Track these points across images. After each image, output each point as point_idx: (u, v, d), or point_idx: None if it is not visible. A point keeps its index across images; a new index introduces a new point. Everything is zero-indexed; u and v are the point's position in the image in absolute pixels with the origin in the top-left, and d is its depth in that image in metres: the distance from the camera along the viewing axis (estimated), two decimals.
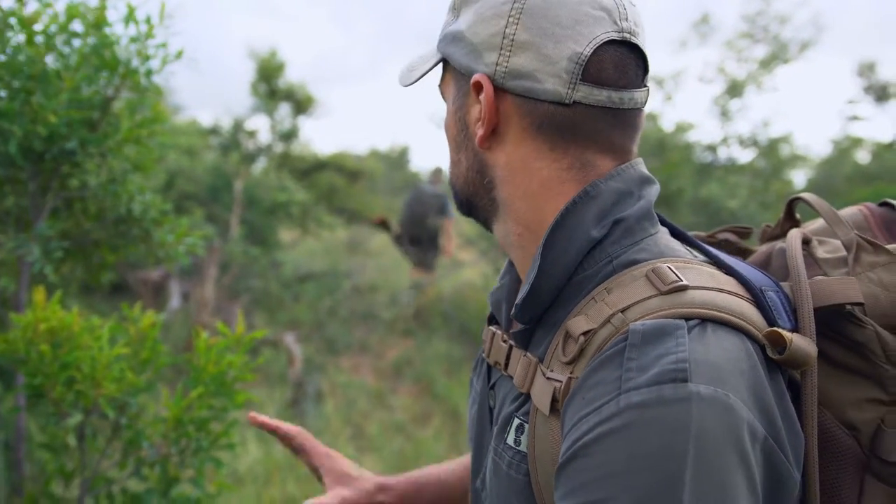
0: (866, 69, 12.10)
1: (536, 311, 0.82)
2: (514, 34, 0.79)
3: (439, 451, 4.44)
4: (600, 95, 0.78)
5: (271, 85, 11.18)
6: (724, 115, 6.69)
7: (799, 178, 10.71)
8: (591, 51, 0.77)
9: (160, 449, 1.88)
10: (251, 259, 7.44)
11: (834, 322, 0.78)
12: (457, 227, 9.21)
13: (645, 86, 0.83)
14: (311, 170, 12.03)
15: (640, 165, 0.85)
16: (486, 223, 0.93)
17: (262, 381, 5.48)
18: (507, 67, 0.79)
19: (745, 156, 6.92)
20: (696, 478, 0.60)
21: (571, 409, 0.70)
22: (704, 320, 0.69)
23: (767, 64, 6.68)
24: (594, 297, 0.77)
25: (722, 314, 0.70)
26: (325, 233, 10.64)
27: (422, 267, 8.68)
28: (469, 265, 8.86)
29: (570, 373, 0.74)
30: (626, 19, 0.79)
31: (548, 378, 0.76)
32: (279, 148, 11.45)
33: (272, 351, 5.91)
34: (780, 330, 0.70)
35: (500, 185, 0.86)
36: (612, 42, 0.78)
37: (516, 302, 0.82)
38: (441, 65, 0.92)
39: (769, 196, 6.24)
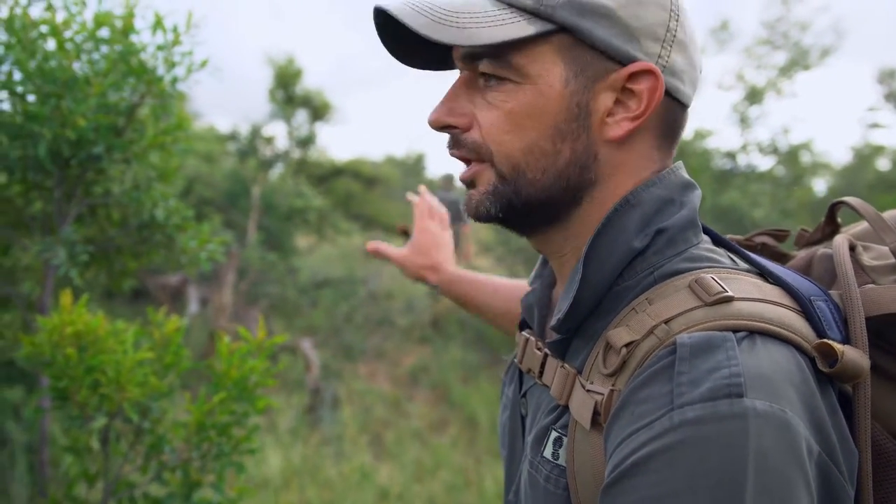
0: (887, 76, 11.99)
1: (576, 321, 0.79)
2: (676, 31, 0.77)
3: (457, 460, 4.43)
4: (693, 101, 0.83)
5: (289, 91, 11.25)
6: (744, 121, 6.65)
7: (820, 185, 10.64)
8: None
9: (182, 453, 1.89)
10: (268, 265, 7.47)
11: (884, 332, 0.76)
12: (475, 236, 9.24)
13: None
14: (328, 176, 12.07)
15: (682, 170, 0.83)
16: (532, 228, 0.85)
17: (280, 387, 5.49)
18: (667, 62, 0.77)
19: (764, 163, 6.88)
20: (758, 494, 0.58)
21: (618, 425, 0.67)
22: (752, 332, 0.67)
23: (787, 70, 6.64)
24: (635, 308, 0.75)
25: (770, 326, 0.68)
26: (342, 239, 10.68)
27: None
28: (485, 272, 8.85)
29: (613, 385, 0.72)
30: None
31: (588, 391, 0.74)
32: (296, 154, 11.52)
33: (290, 357, 5.92)
34: (830, 342, 0.68)
35: (600, 184, 0.80)
36: None
37: (557, 316, 0.79)
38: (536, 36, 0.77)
39: (790, 204, 6.19)
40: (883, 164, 11.75)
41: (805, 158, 7.16)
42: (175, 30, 1.96)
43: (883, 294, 0.76)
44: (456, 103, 0.79)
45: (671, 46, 0.77)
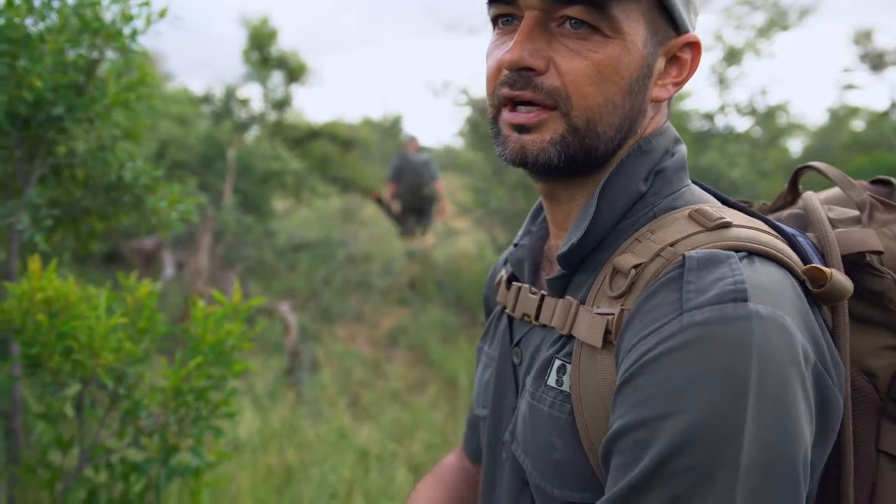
0: (863, 37, 12.03)
1: (580, 256, 0.84)
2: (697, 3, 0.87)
3: (436, 419, 4.45)
4: None
5: (263, 53, 11.04)
6: (722, 82, 6.63)
7: (796, 146, 10.69)
8: None
9: (159, 418, 1.86)
10: (245, 228, 7.39)
11: (852, 275, 0.81)
12: (452, 196, 9.22)
13: None
14: (305, 139, 11.92)
15: (671, 126, 0.90)
16: (574, 176, 0.86)
17: (258, 350, 5.47)
18: (696, 33, 0.85)
19: (742, 124, 6.89)
20: (759, 393, 0.62)
21: (629, 334, 0.72)
22: (751, 253, 0.73)
23: (766, 31, 6.61)
24: (638, 238, 0.81)
25: (766, 248, 0.74)
26: (319, 202, 10.59)
27: (414, 234, 8.84)
28: (463, 234, 8.84)
29: (622, 305, 0.76)
30: None
31: (597, 313, 0.78)
32: (272, 116, 11.35)
33: (267, 320, 5.89)
34: (819, 266, 0.74)
35: (635, 137, 0.86)
36: None
37: (569, 243, 0.83)
38: None
39: (767, 165, 6.22)
40: (858, 124, 11.84)
41: (782, 119, 7.18)
42: None
43: (853, 235, 0.84)
44: (534, 44, 0.78)
45: (694, 18, 0.85)
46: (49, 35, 1.84)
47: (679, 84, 0.85)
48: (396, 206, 8.99)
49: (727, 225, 0.76)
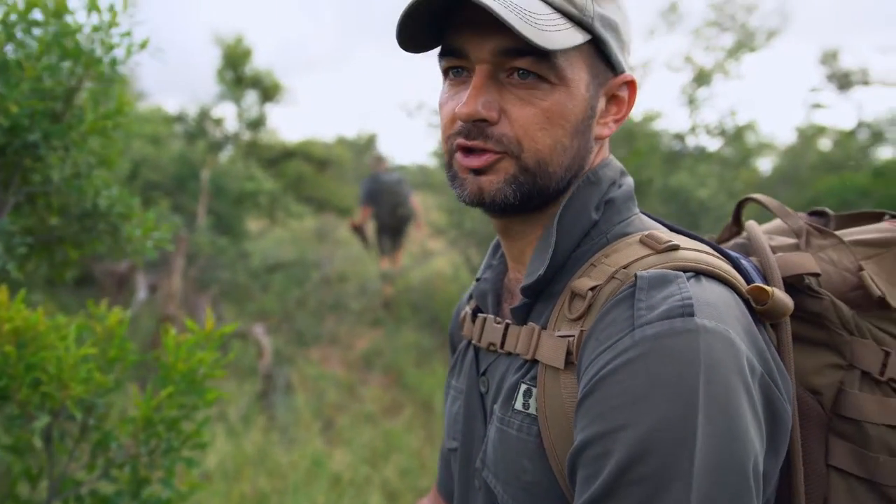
0: (829, 57, 12.24)
1: (541, 285, 0.88)
2: (630, 43, 0.91)
3: (411, 443, 4.43)
4: None
5: (238, 72, 11.02)
6: (692, 103, 6.73)
7: (765, 165, 10.86)
8: None
9: (129, 450, 1.84)
10: (219, 250, 7.34)
11: (792, 297, 0.85)
12: (427, 217, 9.21)
13: None
14: (279, 158, 11.89)
15: (615, 159, 0.97)
16: (529, 212, 0.91)
17: (232, 374, 5.42)
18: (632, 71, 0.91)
19: (712, 144, 6.99)
20: (708, 401, 0.66)
21: (587, 352, 0.77)
22: (698, 273, 0.78)
23: (734, 52, 6.73)
24: (593, 263, 0.86)
25: (712, 269, 0.79)
26: (294, 222, 10.55)
27: (392, 253, 8.76)
28: (438, 255, 8.85)
29: (581, 326, 0.81)
30: None
31: (559, 336, 0.82)
32: (246, 136, 11.31)
33: (241, 343, 5.85)
34: (761, 285, 0.80)
35: (579, 173, 0.91)
36: None
37: (537, 275, 0.87)
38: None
39: (737, 185, 6.32)
40: (825, 143, 12.03)
41: (751, 139, 7.29)
42: (112, 9, 1.88)
43: (792, 258, 0.89)
44: (487, 96, 0.84)
45: (629, 57, 0.92)
46: (27, 62, 1.83)
47: (619, 121, 0.92)
48: (371, 229, 8.86)
49: (675, 248, 0.81)
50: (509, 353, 0.92)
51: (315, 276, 8.46)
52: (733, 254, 0.87)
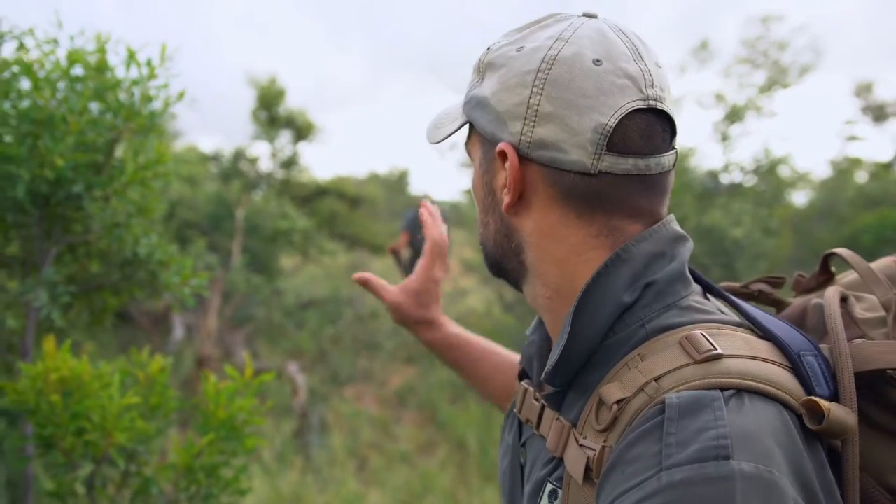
0: (864, 89, 12.15)
1: (568, 375, 0.81)
2: (539, 104, 0.78)
3: (445, 483, 4.40)
4: (626, 164, 0.77)
5: (271, 112, 11.21)
6: (725, 140, 6.70)
7: (800, 199, 10.71)
8: (616, 121, 0.76)
9: (170, 496, 1.86)
10: (253, 288, 7.42)
11: (876, 384, 0.77)
12: (459, 254, 9.25)
13: (673, 149, 0.82)
14: (312, 196, 12.03)
15: (673, 223, 0.84)
16: (516, 284, 0.92)
17: (267, 413, 5.44)
18: (531, 137, 0.79)
19: (746, 181, 6.92)
20: None
21: (610, 483, 0.69)
22: (741, 390, 0.68)
23: (767, 89, 6.69)
24: (628, 364, 0.76)
25: (758, 384, 0.69)
26: (326, 259, 10.63)
27: None
28: (472, 292, 8.86)
29: (604, 441, 0.73)
30: (653, 85, 0.77)
31: (581, 445, 0.75)
32: (280, 175, 11.47)
33: (276, 381, 5.88)
34: (818, 399, 0.69)
35: (528, 250, 0.85)
36: (638, 110, 0.77)
37: (546, 369, 0.81)
38: (468, 125, 0.91)
39: (772, 222, 6.23)
40: (861, 176, 11.88)
41: (785, 173, 7.22)
42: (149, 63, 1.94)
43: (871, 350, 0.77)
44: None
45: (534, 122, 0.79)
46: (71, 116, 1.89)
47: (508, 188, 0.83)
48: (407, 255, 9.24)
49: (717, 357, 0.71)
50: (543, 437, 0.86)
51: (348, 313, 8.49)
52: (796, 345, 0.76)
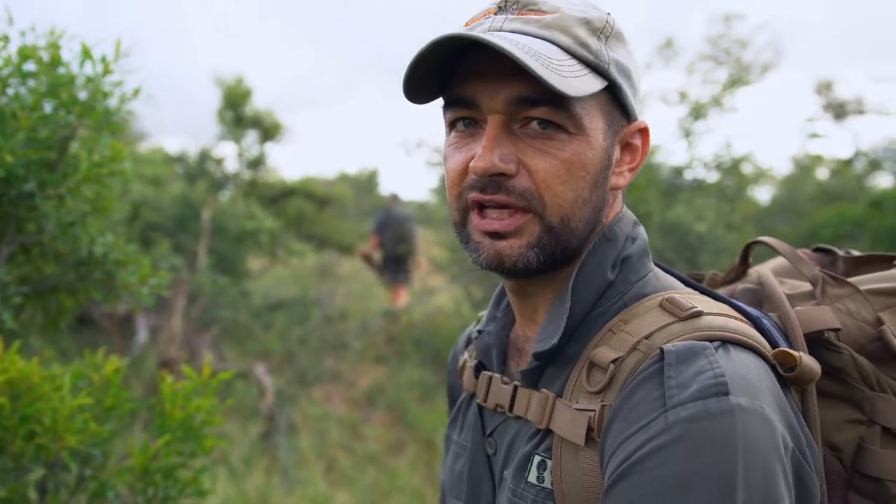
0: (824, 87, 12.33)
1: (557, 348, 0.84)
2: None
3: (414, 483, 4.39)
4: None
5: (238, 112, 11.09)
6: (688, 136, 6.76)
7: (763, 195, 10.88)
8: None
9: (126, 500, 1.82)
10: (220, 289, 7.33)
11: (811, 351, 0.84)
12: (427, 253, 9.28)
13: None
14: (280, 197, 11.91)
15: (628, 210, 0.92)
16: (549, 273, 0.86)
17: (234, 415, 5.38)
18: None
19: (710, 177, 7.00)
20: (747, 486, 0.64)
21: (613, 432, 0.72)
22: (725, 342, 0.74)
23: (730, 86, 6.78)
24: (611, 329, 0.81)
25: (738, 336, 0.75)
26: (294, 260, 10.55)
27: (400, 284, 9.30)
28: (440, 291, 8.85)
29: (602, 401, 0.77)
30: None
31: (577, 409, 0.78)
32: (247, 175, 11.35)
33: (243, 383, 5.81)
34: (788, 350, 0.76)
35: (599, 227, 0.87)
36: None
37: (550, 342, 0.82)
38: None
39: (735, 217, 6.33)
40: (823, 173, 12.08)
41: (748, 170, 7.31)
42: (104, 59, 1.90)
43: (810, 313, 0.86)
44: (503, 149, 0.79)
45: (640, 104, 0.87)
46: (22, 112, 1.85)
47: (634, 170, 0.87)
48: (378, 256, 9.38)
49: (699, 314, 0.77)
50: (519, 417, 0.87)
51: (316, 314, 8.44)
52: (754, 312, 0.84)
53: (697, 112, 6.73)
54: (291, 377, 6.57)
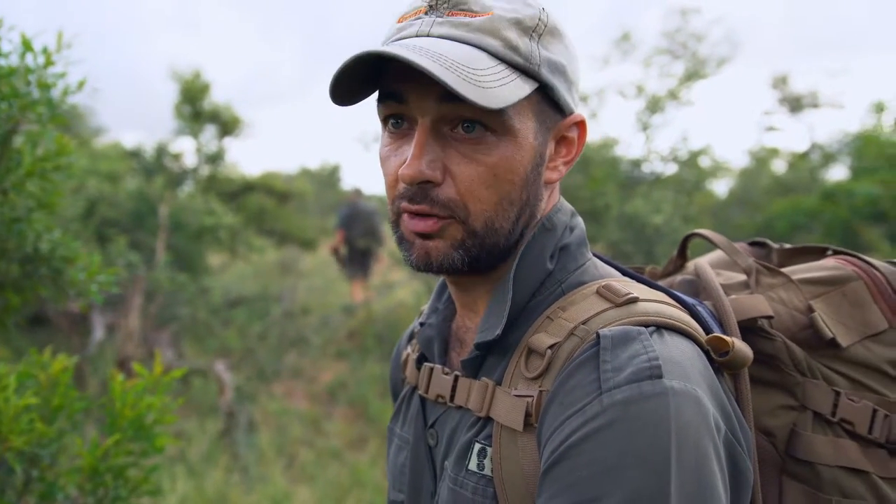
0: (780, 81, 12.57)
1: (499, 338, 0.84)
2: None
3: (376, 478, 4.38)
4: None
5: (196, 107, 10.94)
6: (646, 129, 6.84)
7: (720, 188, 11.06)
8: None
9: (76, 501, 1.79)
10: (178, 286, 7.22)
11: (745, 339, 0.86)
12: (388, 247, 9.30)
13: None
14: (240, 192, 11.79)
15: (564, 200, 0.93)
16: (482, 269, 0.86)
17: (193, 412, 5.32)
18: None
19: (667, 170, 7.09)
20: (680, 468, 0.64)
21: (549, 416, 0.73)
22: (659, 327, 0.75)
23: (686, 80, 6.86)
24: (549, 316, 0.82)
25: (673, 321, 0.77)
26: (255, 256, 10.46)
27: (363, 278, 9.41)
28: (400, 285, 8.84)
29: (540, 386, 0.77)
30: None
31: (516, 395, 0.78)
32: (205, 171, 11.21)
33: (202, 380, 5.75)
34: (721, 335, 0.78)
35: (530, 223, 0.87)
36: None
37: (493, 333, 0.83)
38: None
39: (692, 210, 6.42)
40: (780, 165, 12.32)
41: (704, 163, 7.42)
42: (45, 51, 1.86)
43: (744, 301, 0.89)
44: (430, 154, 0.79)
45: (577, 94, 0.87)
46: None
47: (569, 163, 0.88)
48: (344, 251, 9.44)
49: (634, 300, 0.79)
50: (459, 407, 0.88)
51: (277, 310, 8.37)
52: (689, 300, 0.85)
53: (655, 105, 6.81)
54: (251, 373, 6.51)
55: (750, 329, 0.88)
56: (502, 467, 0.79)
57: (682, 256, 1.12)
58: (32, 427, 1.67)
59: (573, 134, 0.87)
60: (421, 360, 0.99)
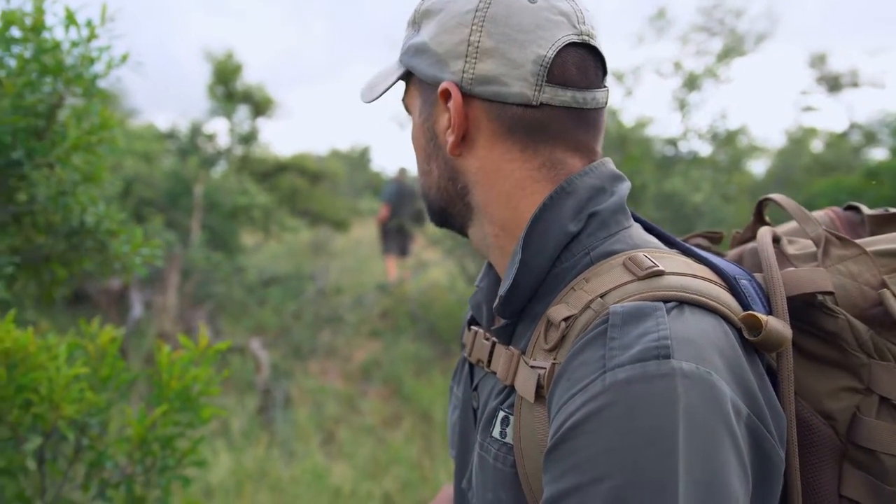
0: (818, 60, 12.31)
1: (518, 305, 0.83)
2: (479, 41, 0.82)
3: (411, 455, 4.40)
4: (565, 96, 0.81)
5: (229, 87, 11.03)
6: (683, 108, 6.73)
7: (758, 168, 10.89)
8: (554, 53, 0.80)
9: (125, 469, 1.81)
10: (213, 265, 7.31)
11: (807, 314, 0.81)
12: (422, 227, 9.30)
13: (605, 86, 0.86)
14: (272, 172, 11.88)
15: (610, 164, 0.89)
16: (462, 229, 0.94)
17: (230, 390, 5.39)
18: (473, 74, 0.82)
19: (704, 149, 6.98)
20: (687, 453, 0.61)
21: (558, 392, 0.71)
22: (682, 303, 0.71)
23: (724, 57, 6.74)
24: (573, 287, 0.79)
25: (698, 297, 0.72)
26: (288, 235, 10.53)
27: (399, 256, 9.56)
28: (434, 265, 8.85)
29: (554, 359, 0.76)
30: (584, 23, 0.82)
31: (531, 367, 0.77)
32: (239, 151, 11.30)
33: (239, 358, 5.81)
34: (755, 313, 0.72)
35: (473, 190, 0.87)
36: (572, 45, 0.81)
37: (499, 295, 0.83)
38: (404, 79, 0.93)
39: (731, 189, 6.32)
40: (817, 146, 12.10)
41: (742, 142, 7.30)
42: (89, 24, 1.86)
43: (801, 275, 0.82)
44: None
45: (475, 58, 0.82)
46: (7, 79, 1.81)
47: (452, 128, 0.85)
48: (390, 224, 9.69)
49: (659, 273, 0.74)
50: (494, 373, 0.88)
51: (311, 288, 8.43)
52: (732, 272, 0.79)
53: (692, 83, 6.70)
54: (287, 351, 6.57)
55: (811, 304, 0.81)
56: (521, 436, 0.78)
57: (760, 221, 1.05)
58: (83, 396, 1.69)
59: (449, 103, 0.85)
60: (471, 322, 1.01)
